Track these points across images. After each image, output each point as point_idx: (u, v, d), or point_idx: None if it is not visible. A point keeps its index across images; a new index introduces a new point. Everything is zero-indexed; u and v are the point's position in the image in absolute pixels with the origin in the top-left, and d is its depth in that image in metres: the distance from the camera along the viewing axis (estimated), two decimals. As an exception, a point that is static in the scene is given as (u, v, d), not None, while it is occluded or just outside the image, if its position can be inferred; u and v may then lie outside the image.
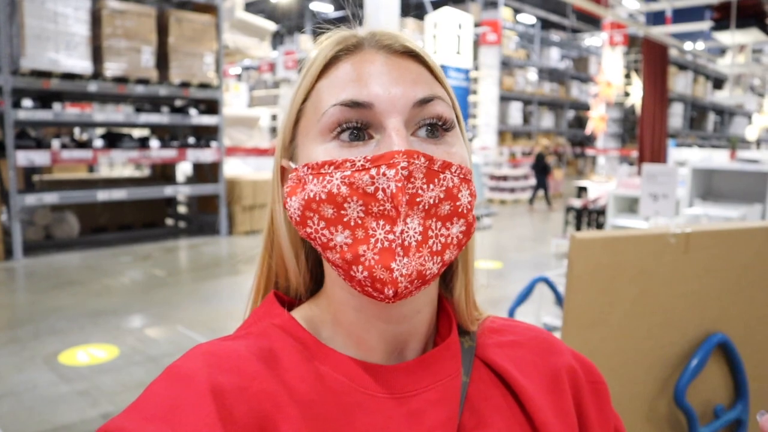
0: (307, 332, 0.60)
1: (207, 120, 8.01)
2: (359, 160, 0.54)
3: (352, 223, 0.53)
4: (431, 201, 0.53)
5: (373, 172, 0.53)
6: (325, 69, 0.58)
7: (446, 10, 5.34)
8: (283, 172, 0.62)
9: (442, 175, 0.55)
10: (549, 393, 0.64)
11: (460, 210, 0.56)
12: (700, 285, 1.22)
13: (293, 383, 0.56)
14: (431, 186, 0.53)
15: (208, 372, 0.53)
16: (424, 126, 0.57)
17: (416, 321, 0.61)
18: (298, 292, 0.66)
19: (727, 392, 1.29)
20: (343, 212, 0.53)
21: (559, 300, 1.83)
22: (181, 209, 9.74)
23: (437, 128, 0.57)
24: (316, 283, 0.67)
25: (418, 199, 0.53)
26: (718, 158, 7.03)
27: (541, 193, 13.26)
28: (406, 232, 0.52)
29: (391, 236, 0.52)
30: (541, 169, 12.99)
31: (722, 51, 15.16)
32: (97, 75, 6.93)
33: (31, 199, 6.67)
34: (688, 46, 13.39)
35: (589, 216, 7.81)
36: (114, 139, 7.51)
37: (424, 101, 0.56)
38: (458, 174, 0.56)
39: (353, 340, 0.60)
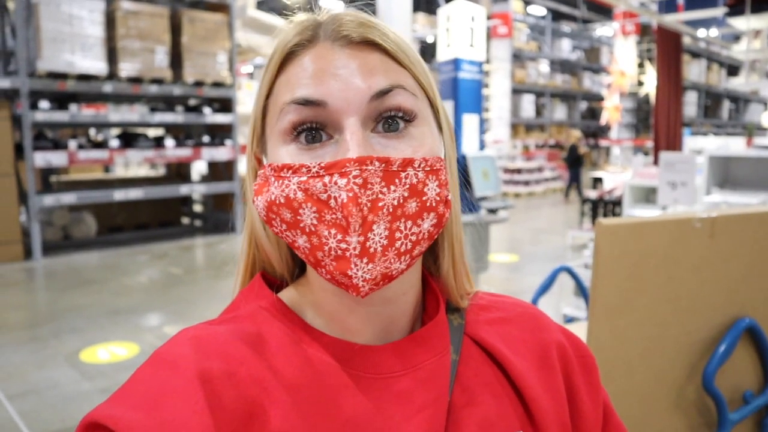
0: (294, 314, 0.60)
1: (221, 118, 8.05)
2: (314, 167, 0.53)
3: (307, 230, 0.53)
4: (395, 202, 0.52)
5: (327, 180, 0.52)
6: (283, 64, 0.57)
7: (459, 3, 5.32)
8: (259, 164, 0.62)
9: (403, 174, 0.53)
10: (538, 369, 0.64)
11: (428, 204, 0.54)
12: (727, 269, 1.21)
13: (281, 367, 0.55)
14: (392, 187, 0.52)
15: (196, 357, 0.52)
16: (382, 120, 0.55)
17: (401, 302, 0.60)
18: (283, 276, 0.66)
19: (756, 377, 1.28)
20: (299, 217, 0.53)
21: (581, 290, 1.82)
22: (197, 208, 9.80)
23: (397, 120, 0.55)
24: (300, 266, 0.67)
25: (380, 204, 0.51)
26: (734, 146, 6.95)
27: (574, 184, 13.19)
28: (372, 238, 0.51)
29: (343, 245, 0.51)
30: (574, 160, 12.91)
31: (736, 37, 14.99)
32: (112, 76, 6.99)
33: (49, 200, 6.75)
34: (701, 33, 13.25)
35: (605, 207, 7.75)
36: (130, 139, 7.57)
37: (381, 93, 0.54)
38: (422, 168, 0.54)
39: (337, 323, 0.60)
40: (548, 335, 0.67)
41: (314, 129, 0.55)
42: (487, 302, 0.69)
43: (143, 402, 0.49)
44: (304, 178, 0.53)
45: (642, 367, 1.17)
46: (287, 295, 0.64)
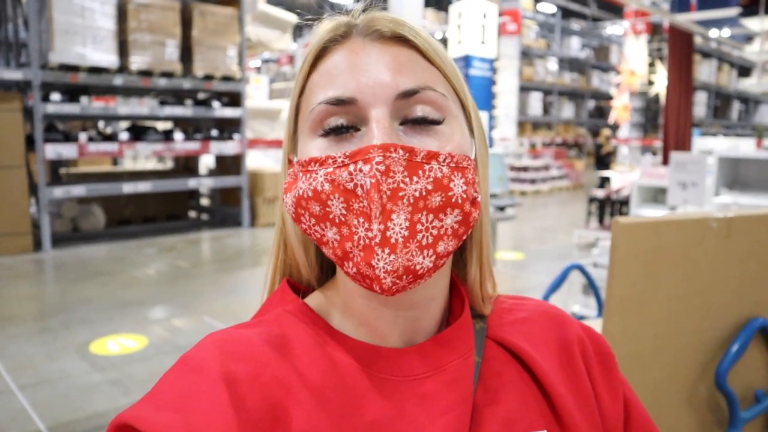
0: (319, 318, 0.61)
1: (230, 112, 8.07)
2: (339, 157, 0.53)
3: (337, 221, 0.53)
4: (416, 194, 0.52)
5: (351, 168, 0.52)
6: (315, 61, 0.58)
7: (471, 0, 5.32)
8: (291, 165, 0.62)
9: (427, 166, 0.53)
10: (562, 367, 0.65)
11: (453, 200, 0.54)
12: (742, 269, 1.22)
13: (305, 369, 0.56)
14: (415, 178, 0.52)
15: (221, 360, 0.53)
16: (412, 118, 0.56)
17: (430, 307, 0.61)
18: (310, 282, 0.67)
19: (767, 377, 1.29)
20: (327, 209, 0.53)
21: (592, 288, 1.83)
22: (204, 201, 9.84)
23: (426, 120, 0.56)
24: (327, 272, 0.68)
25: (401, 194, 0.52)
26: (744, 147, 6.93)
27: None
28: (392, 228, 0.51)
29: (370, 234, 0.51)
30: (599, 159, 12.85)
31: (748, 38, 14.91)
32: (122, 68, 7.01)
33: (59, 192, 6.78)
34: (712, 33, 13.18)
35: (612, 206, 7.73)
36: (139, 132, 7.60)
37: (409, 93, 0.55)
38: (447, 163, 0.54)
39: (364, 326, 0.61)
40: (569, 331, 0.68)
41: (344, 128, 0.56)
42: (508, 305, 0.70)
43: (170, 403, 0.50)
44: (330, 169, 0.54)
45: (655, 365, 1.18)
46: (313, 299, 0.64)
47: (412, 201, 0.52)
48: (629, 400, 0.69)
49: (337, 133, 0.55)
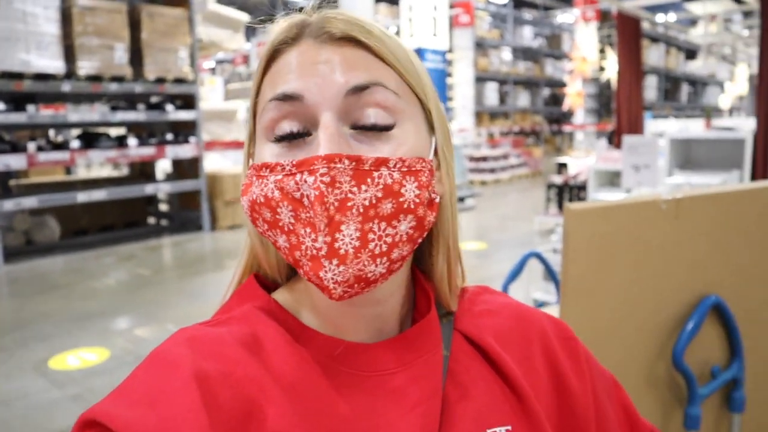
0: (288, 314, 0.61)
1: (184, 115, 7.92)
2: (287, 165, 0.53)
3: (286, 229, 0.53)
4: (366, 203, 0.51)
5: (298, 177, 0.52)
6: (269, 63, 0.58)
7: (420, -7, 5.35)
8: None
9: (376, 173, 0.52)
10: (524, 358, 0.66)
11: (405, 206, 0.53)
12: (693, 249, 1.24)
13: (277, 367, 0.56)
14: (363, 187, 0.51)
15: (192, 358, 0.53)
16: (362, 125, 0.54)
17: (390, 302, 0.61)
18: (275, 277, 0.67)
19: (722, 352, 1.32)
20: (277, 217, 0.53)
21: (551, 274, 1.85)
22: (163, 207, 9.65)
23: (377, 127, 0.55)
24: (292, 268, 0.67)
25: (349, 204, 0.51)
26: (693, 128, 7.12)
27: None
28: (341, 239, 0.51)
29: (317, 244, 0.51)
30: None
31: (693, 22, 15.31)
32: (70, 74, 6.80)
33: (9, 204, 6.55)
34: (659, 18, 13.48)
35: (570, 192, 7.85)
36: (91, 139, 7.39)
37: (358, 89, 0.54)
38: (399, 168, 0.53)
39: (330, 323, 0.61)
40: (531, 324, 0.69)
41: (296, 134, 0.55)
42: (472, 294, 0.71)
43: (140, 400, 0.50)
44: (279, 177, 0.53)
45: (613, 347, 1.20)
46: (281, 295, 0.64)
47: (361, 210, 0.51)
48: (610, 387, 0.74)
49: (289, 139, 0.55)
